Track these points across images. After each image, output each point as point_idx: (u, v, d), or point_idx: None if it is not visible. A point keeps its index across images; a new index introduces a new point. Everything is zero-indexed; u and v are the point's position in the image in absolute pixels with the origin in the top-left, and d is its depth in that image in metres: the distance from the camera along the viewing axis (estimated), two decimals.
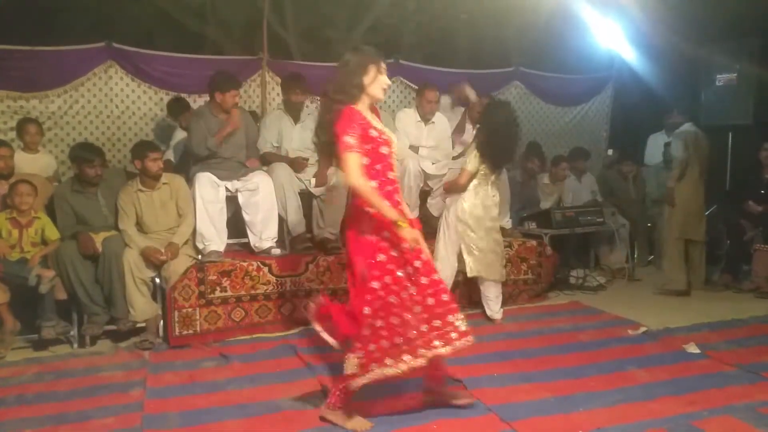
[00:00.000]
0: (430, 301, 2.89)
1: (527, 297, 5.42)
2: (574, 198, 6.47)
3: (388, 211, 2.79)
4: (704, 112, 6.63)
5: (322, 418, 3.04)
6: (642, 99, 7.33)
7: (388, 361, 2.83)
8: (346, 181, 2.87)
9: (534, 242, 5.49)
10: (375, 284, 2.82)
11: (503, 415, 3.10)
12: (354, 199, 2.97)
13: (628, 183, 6.82)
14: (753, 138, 6.20)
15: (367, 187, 2.78)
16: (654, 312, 5.00)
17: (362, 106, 2.92)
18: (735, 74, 6.49)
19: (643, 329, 4.53)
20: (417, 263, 2.88)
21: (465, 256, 4.62)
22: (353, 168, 2.79)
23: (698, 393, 3.41)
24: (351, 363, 2.84)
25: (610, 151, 7.51)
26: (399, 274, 2.86)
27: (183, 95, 5.77)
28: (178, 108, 5.55)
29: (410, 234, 2.78)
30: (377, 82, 2.91)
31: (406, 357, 2.84)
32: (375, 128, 2.88)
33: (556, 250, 5.66)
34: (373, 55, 2.93)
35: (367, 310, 2.81)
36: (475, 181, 4.58)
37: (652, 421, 3.07)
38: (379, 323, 2.83)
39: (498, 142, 4.49)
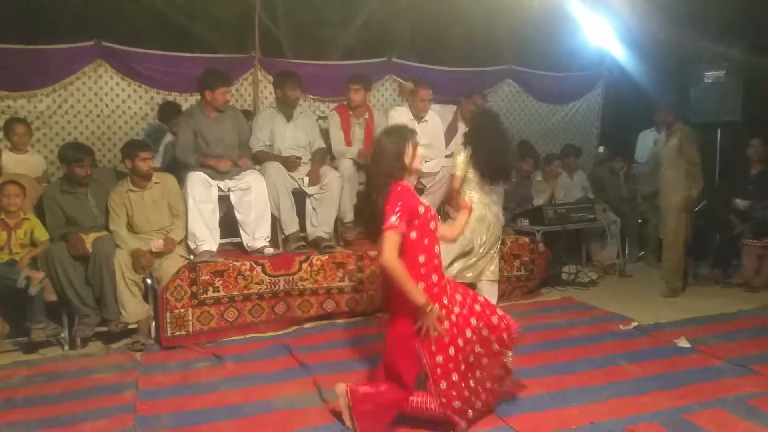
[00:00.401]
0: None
1: (520, 293, 5.44)
2: (566, 195, 6.51)
3: (417, 294, 2.79)
4: (693, 109, 6.67)
5: None
6: (632, 96, 7.37)
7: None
8: (379, 259, 2.89)
9: (527, 239, 5.51)
10: (439, 358, 2.84)
11: (499, 411, 3.13)
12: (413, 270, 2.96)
13: (619, 180, 6.86)
14: (741, 134, 6.25)
15: (399, 268, 2.79)
16: (645, 307, 5.03)
17: (408, 182, 2.99)
18: (723, 72, 6.53)
19: (634, 324, 4.56)
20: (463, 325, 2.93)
21: (462, 260, 4.58)
22: (390, 247, 2.79)
23: (689, 387, 3.44)
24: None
25: (601, 149, 7.54)
26: (460, 342, 2.89)
27: (175, 95, 5.74)
28: (169, 112, 5.51)
29: (431, 318, 2.80)
30: (416, 157, 2.99)
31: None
32: (423, 204, 2.93)
33: (548, 247, 5.68)
34: (405, 134, 3.01)
35: (443, 384, 2.83)
36: (475, 196, 4.52)
37: (644, 415, 3.10)
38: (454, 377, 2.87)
39: (491, 158, 4.47)
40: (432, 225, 2.91)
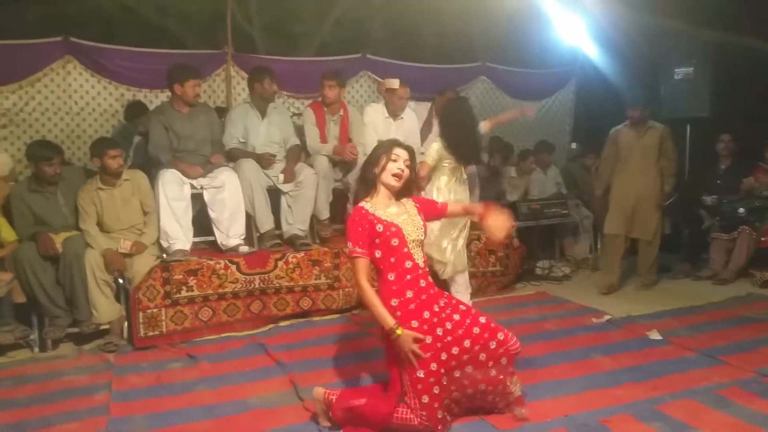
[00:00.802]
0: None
1: (495, 289, 5.49)
2: (539, 191, 6.57)
3: (383, 319, 2.82)
4: (664, 105, 6.77)
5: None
6: (604, 93, 7.44)
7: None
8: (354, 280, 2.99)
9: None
10: (421, 373, 2.82)
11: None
12: (384, 287, 2.97)
13: (591, 175, 6.93)
14: (710, 130, 6.35)
15: (366, 292, 2.87)
16: (617, 301, 5.12)
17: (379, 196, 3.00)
18: (692, 68, 6.64)
19: (607, 317, 4.63)
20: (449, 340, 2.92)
21: (436, 255, 4.55)
22: (358, 272, 2.89)
23: (661, 378, 3.50)
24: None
25: (573, 145, 7.63)
26: (443, 357, 2.89)
27: (145, 92, 5.65)
28: (135, 111, 5.41)
29: (405, 343, 2.78)
30: (386, 170, 2.98)
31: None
32: (382, 222, 2.90)
33: (522, 242, 5.74)
34: (385, 146, 3.04)
35: (425, 398, 2.81)
36: (444, 178, 4.57)
37: (617, 407, 3.14)
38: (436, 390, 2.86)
39: (461, 138, 4.51)
40: (394, 241, 2.88)
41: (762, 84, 6.14)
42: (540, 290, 5.59)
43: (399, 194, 3.03)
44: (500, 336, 2.96)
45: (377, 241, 2.88)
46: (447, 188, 4.58)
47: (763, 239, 5.56)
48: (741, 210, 5.70)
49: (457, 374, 2.92)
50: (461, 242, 4.65)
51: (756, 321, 4.52)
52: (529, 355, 3.82)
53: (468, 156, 4.63)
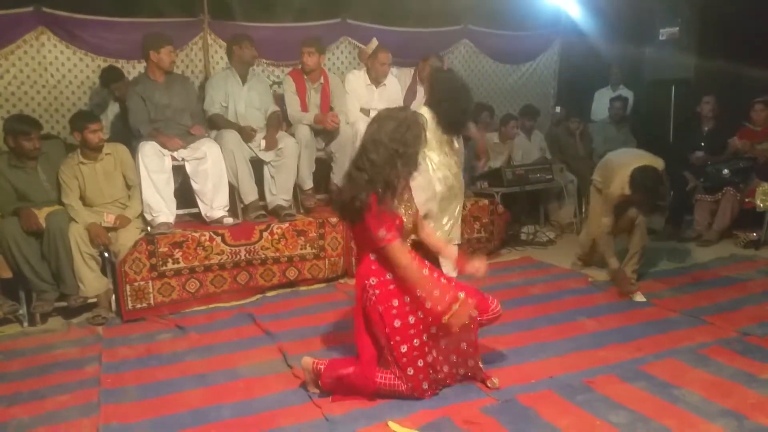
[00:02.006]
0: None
1: (481, 255, 5.50)
2: (524, 156, 6.57)
3: (439, 300, 2.83)
4: (648, 66, 6.77)
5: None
6: (588, 55, 7.42)
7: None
8: (396, 266, 2.84)
9: (486, 201, 5.57)
10: (404, 348, 2.85)
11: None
12: (358, 272, 2.96)
13: (575, 139, 6.93)
14: (694, 91, 6.36)
15: (417, 275, 2.83)
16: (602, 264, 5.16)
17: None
18: (677, 29, 6.62)
19: (590, 280, 4.69)
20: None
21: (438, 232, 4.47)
22: (403, 254, 2.82)
23: (644, 339, 3.57)
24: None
25: (557, 109, 7.61)
26: (424, 338, 2.90)
27: (122, 62, 5.53)
28: (111, 76, 5.30)
29: (465, 312, 2.84)
30: (406, 187, 2.97)
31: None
32: (395, 213, 2.90)
33: (507, 208, 5.76)
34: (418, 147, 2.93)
35: (410, 371, 2.86)
36: (433, 154, 4.41)
37: (601, 368, 3.21)
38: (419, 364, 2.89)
39: (450, 110, 4.43)
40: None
41: (747, 44, 6.14)
42: (525, 255, 5.64)
43: None
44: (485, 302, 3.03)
45: None
46: (442, 164, 4.51)
47: (747, 200, 5.61)
48: (725, 171, 5.75)
49: (443, 344, 2.97)
50: (458, 215, 4.66)
51: (739, 281, 4.60)
52: (514, 319, 3.88)
53: (455, 128, 4.57)
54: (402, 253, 2.81)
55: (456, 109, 4.36)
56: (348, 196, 2.81)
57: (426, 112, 4.38)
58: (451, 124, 4.39)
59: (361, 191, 2.77)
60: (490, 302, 3.06)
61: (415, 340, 2.87)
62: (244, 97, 5.05)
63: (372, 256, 2.90)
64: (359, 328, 2.95)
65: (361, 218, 2.80)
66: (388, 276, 2.90)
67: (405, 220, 2.96)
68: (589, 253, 4.99)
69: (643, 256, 4.59)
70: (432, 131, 4.41)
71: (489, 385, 3.02)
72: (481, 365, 3.08)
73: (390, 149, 2.79)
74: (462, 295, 2.85)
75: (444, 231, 4.46)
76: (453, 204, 4.50)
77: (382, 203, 2.79)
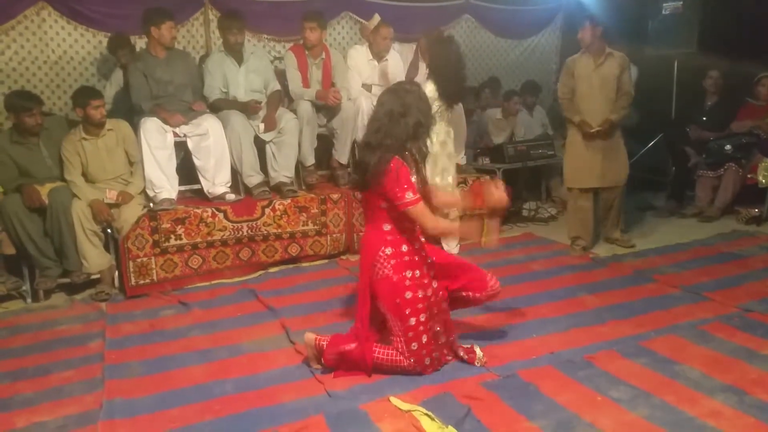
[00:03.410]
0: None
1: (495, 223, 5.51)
2: (526, 132, 6.54)
3: (472, 233, 3.12)
4: (651, 40, 6.69)
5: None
6: None
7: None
8: (424, 228, 2.94)
9: (488, 177, 5.55)
10: (412, 321, 2.87)
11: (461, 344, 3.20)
12: (370, 242, 2.95)
13: None
14: (697, 66, 6.30)
15: (449, 224, 3.00)
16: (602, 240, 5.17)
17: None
18: (681, 2, 6.53)
19: (591, 256, 4.69)
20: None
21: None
22: (426, 217, 2.86)
23: (645, 315, 3.58)
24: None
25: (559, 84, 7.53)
26: (428, 315, 2.93)
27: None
28: (117, 42, 5.24)
29: (491, 229, 3.01)
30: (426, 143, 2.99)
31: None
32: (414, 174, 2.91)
33: (509, 184, 5.71)
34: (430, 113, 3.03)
35: (415, 345, 2.89)
36: (438, 126, 4.50)
37: (602, 344, 3.22)
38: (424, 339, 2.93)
39: (448, 78, 4.44)
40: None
41: (751, 19, 6.06)
42: (526, 231, 5.64)
43: None
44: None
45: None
46: (446, 135, 4.54)
47: (749, 176, 5.59)
48: (728, 147, 5.72)
49: (439, 323, 3.01)
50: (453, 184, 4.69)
51: (740, 257, 4.60)
52: (516, 295, 3.90)
53: (453, 96, 4.57)
54: (428, 212, 2.88)
55: (453, 77, 4.42)
56: (371, 161, 2.83)
57: (430, 87, 4.39)
58: (450, 93, 4.45)
59: (383, 155, 2.82)
60: (489, 279, 3.07)
61: (422, 315, 2.89)
62: (242, 82, 4.96)
63: (386, 227, 2.90)
64: (363, 302, 2.96)
65: (381, 185, 2.81)
66: (404, 248, 2.90)
67: (418, 188, 2.93)
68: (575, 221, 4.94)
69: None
70: (435, 99, 4.45)
71: (477, 364, 3.03)
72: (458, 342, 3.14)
73: (414, 119, 2.88)
74: (485, 220, 3.01)
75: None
76: (449, 175, 4.59)
77: (403, 167, 2.83)
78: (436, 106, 4.48)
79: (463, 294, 3.07)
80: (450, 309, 3.09)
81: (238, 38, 4.92)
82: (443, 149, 4.57)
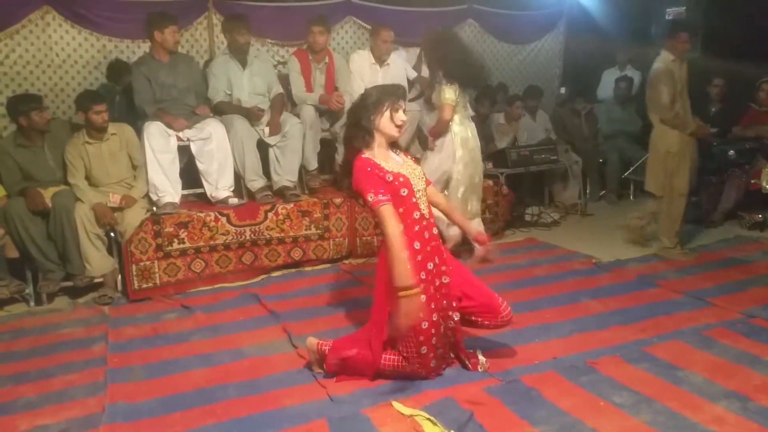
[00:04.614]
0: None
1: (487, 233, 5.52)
2: (528, 136, 6.55)
3: (407, 274, 2.62)
4: (655, 46, 6.70)
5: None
6: (594, 35, 7.35)
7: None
8: (382, 232, 2.75)
9: (491, 182, 5.56)
10: (424, 324, 2.82)
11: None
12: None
13: (581, 120, 6.91)
14: (700, 71, 6.30)
15: (400, 242, 2.66)
16: (605, 245, 5.16)
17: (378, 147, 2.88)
18: (684, 8, 6.54)
19: (594, 261, 4.69)
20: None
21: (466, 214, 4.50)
22: (388, 219, 2.68)
23: (648, 320, 3.58)
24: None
25: (562, 89, 7.56)
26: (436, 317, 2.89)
27: (127, 42, 5.50)
28: (117, 70, 5.22)
29: (413, 308, 2.60)
30: (388, 120, 2.86)
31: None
32: (390, 172, 2.80)
33: (511, 189, 5.75)
34: (388, 93, 2.90)
35: (424, 349, 2.86)
36: (456, 118, 4.51)
37: (605, 349, 3.22)
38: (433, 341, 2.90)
39: (465, 62, 4.44)
40: (403, 191, 2.80)
41: (753, 24, 6.06)
42: (529, 236, 5.63)
43: (392, 145, 2.98)
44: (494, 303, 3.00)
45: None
46: (462, 125, 4.55)
47: (753, 181, 5.58)
48: (731, 152, 5.71)
49: (451, 324, 2.96)
50: (478, 184, 4.71)
51: (743, 263, 4.60)
52: (519, 300, 3.88)
53: (477, 79, 4.57)
54: (389, 219, 2.69)
55: (469, 62, 4.44)
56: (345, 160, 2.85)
57: (449, 92, 4.38)
58: (472, 76, 4.48)
59: (349, 149, 2.83)
60: (501, 309, 2.97)
61: (433, 315, 2.86)
62: (246, 85, 4.97)
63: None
64: (379, 304, 2.89)
65: (354, 186, 2.80)
66: (416, 245, 2.83)
67: (414, 180, 2.87)
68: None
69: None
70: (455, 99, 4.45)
71: (480, 369, 3.02)
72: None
73: (372, 98, 2.88)
74: (416, 291, 2.62)
75: (458, 198, 4.52)
76: (476, 177, 4.64)
77: (367, 165, 2.78)
78: (460, 106, 4.50)
79: (473, 318, 3.02)
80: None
81: (246, 38, 4.93)
82: (465, 146, 4.53)
